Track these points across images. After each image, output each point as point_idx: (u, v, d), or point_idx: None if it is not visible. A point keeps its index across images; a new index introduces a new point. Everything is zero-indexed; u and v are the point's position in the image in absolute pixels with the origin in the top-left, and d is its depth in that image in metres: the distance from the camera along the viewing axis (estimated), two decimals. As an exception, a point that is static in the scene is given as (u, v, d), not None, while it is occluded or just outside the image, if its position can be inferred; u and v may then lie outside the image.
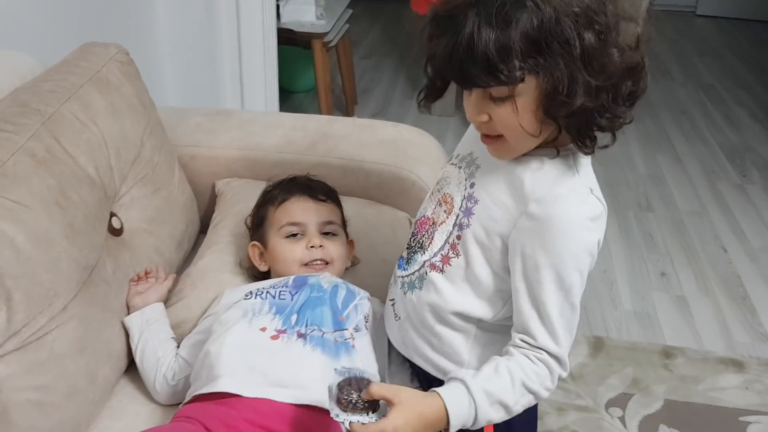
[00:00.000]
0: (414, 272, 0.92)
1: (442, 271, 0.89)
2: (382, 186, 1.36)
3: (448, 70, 0.75)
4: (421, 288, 0.91)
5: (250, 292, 1.01)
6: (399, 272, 0.96)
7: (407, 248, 0.96)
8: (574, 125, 0.75)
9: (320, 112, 2.67)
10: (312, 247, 1.07)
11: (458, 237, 0.87)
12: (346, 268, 1.15)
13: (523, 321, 0.82)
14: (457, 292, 0.88)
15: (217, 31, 2.16)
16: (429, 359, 0.94)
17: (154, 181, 1.25)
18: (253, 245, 1.13)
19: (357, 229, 1.24)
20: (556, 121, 0.75)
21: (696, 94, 3.52)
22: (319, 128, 1.44)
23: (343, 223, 1.17)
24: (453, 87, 0.81)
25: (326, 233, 1.11)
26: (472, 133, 0.92)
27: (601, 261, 2.16)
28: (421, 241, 0.92)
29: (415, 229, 0.95)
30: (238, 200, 1.30)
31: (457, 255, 0.87)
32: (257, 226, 1.14)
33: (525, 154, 0.82)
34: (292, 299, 0.98)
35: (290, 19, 2.53)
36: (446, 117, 3.12)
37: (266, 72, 2.31)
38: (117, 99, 1.20)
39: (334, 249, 1.09)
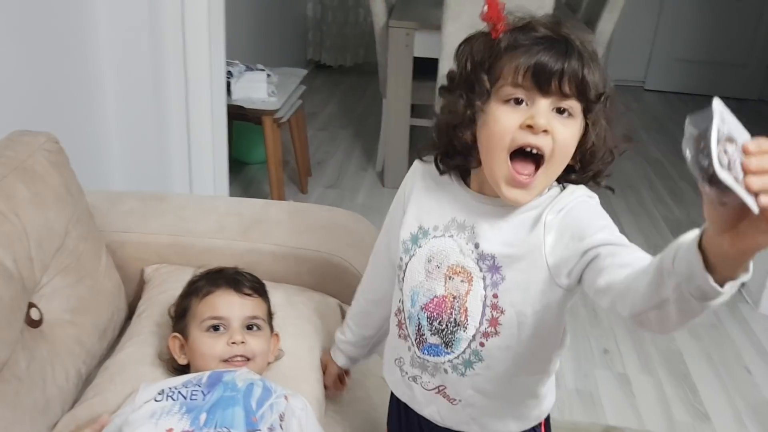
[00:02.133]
0: (464, 350, 0.91)
1: (497, 334, 0.89)
2: (314, 272, 1.36)
3: (553, 71, 0.81)
4: (482, 359, 0.91)
5: (162, 392, 0.99)
6: (439, 359, 0.93)
7: (436, 334, 0.93)
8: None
9: (270, 187, 2.69)
10: (233, 343, 1.06)
11: (494, 296, 0.88)
12: (269, 363, 1.14)
13: (614, 247, 0.80)
14: (527, 340, 0.89)
15: (165, 111, 2.18)
16: (506, 414, 0.96)
17: (79, 270, 1.24)
18: (174, 337, 1.12)
19: (284, 318, 1.23)
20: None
21: (642, 169, 3.63)
22: (253, 213, 1.44)
23: (269, 317, 1.16)
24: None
25: (250, 327, 1.10)
26: (430, 205, 0.94)
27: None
28: (454, 319, 0.90)
29: (430, 313, 0.92)
30: (165, 288, 1.29)
31: (502, 312, 0.88)
32: (180, 317, 1.13)
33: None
34: (204, 399, 0.96)
35: (241, 96, 2.57)
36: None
37: (215, 149, 2.33)
38: (42, 189, 1.20)
39: (256, 345, 1.08)
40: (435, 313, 0.92)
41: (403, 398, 1.02)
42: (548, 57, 0.81)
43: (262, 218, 1.42)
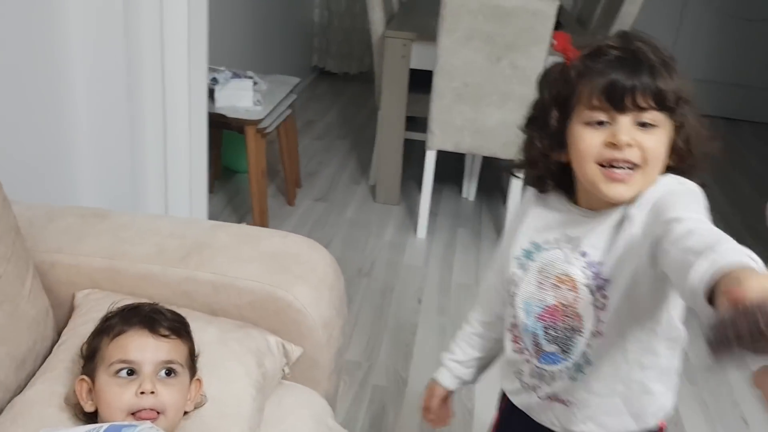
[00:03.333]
0: (581, 354, 0.95)
1: (601, 334, 0.93)
2: (255, 306, 1.24)
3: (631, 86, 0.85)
4: (591, 362, 0.95)
5: (52, 444, 0.88)
6: (555, 367, 0.98)
7: (553, 342, 0.97)
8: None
9: (251, 198, 2.59)
10: (142, 393, 0.95)
11: (604, 296, 0.92)
12: (187, 412, 1.02)
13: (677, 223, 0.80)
14: (629, 332, 0.92)
15: (140, 121, 2.09)
16: (622, 411, 0.97)
17: (-4, 295, 1.13)
18: (81, 380, 1.01)
19: (214, 359, 1.12)
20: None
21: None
22: (198, 237, 1.33)
23: (191, 359, 1.05)
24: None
25: (167, 373, 0.99)
26: (542, 222, 0.99)
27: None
28: (569, 326, 0.95)
29: (545, 322, 0.97)
30: (91, 317, 1.18)
31: (608, 311, 0.92)
32: (89, 358, 1.02)
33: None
34: (92, 458, 0.85)
35: (225, 104, 2.48)
36: (390, 205, 3.05)
37: (192, 161, 2.23)
38: (-44, 205, 1.10)
39: (168, 396, 0.97)
40: (550, 322, 0.96)
41: (522, 407, 1.06)
42: (618, 76, 0.85)
43: (206, 243, 1.31)
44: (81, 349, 1.07)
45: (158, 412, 0.96)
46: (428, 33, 2.73)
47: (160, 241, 1.32)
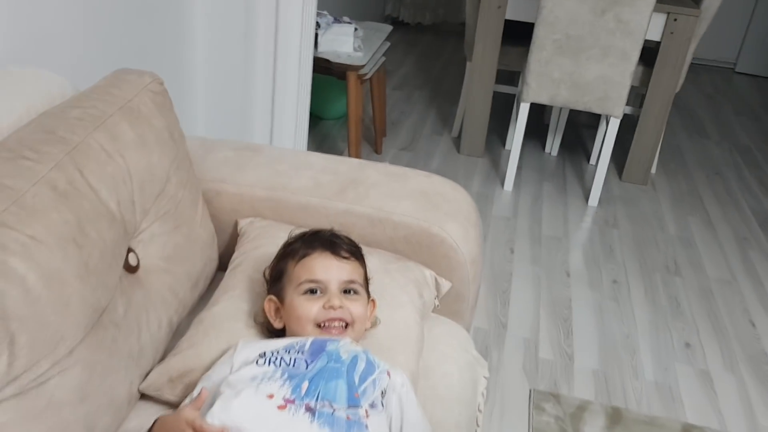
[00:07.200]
0: None
1: None
2: (410, 240, 1.30)
3: None
4: None
5: (263, 354, 0.96)
6: None
7: None
8: None
9: (348, 145, 2.64)
10: (330, 307, 1.02)
11: None
12: (366, 330, 1.10)
13: None
14: None
15: (252, 59, 2.14)
16: None
17: (176, 218, 1.21)
18: (270, 300, 1.08)
19: (380, 287, 1.18)
20: None
21: (731, 155, 3.44)
22: (350, 173, 1.39)
23: (366, 282, 1.11)
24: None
25: (347, 291, 1.06)
26: None
27: (624, 325, 2.10)
28: None
29: None
30: (260, 243, 1.25)
31: None
32: (275, 280, 1.09)
33: None
34: (306, 367, 0.92)
35: (327, 49, 2.51)
36: (475, 157, 3.07)
37: (299, 101, 2.28)
38: (146, 131, 1.16)
39: (354, 309, 1.04)
40: None
41: None
42: None
43: (359, 179, 1.37)
44: (264, 273, 1.14)
45: (347, 324, 1.03)
46: (526, -16, 2.71)
47: (314, 175, 1.38)
